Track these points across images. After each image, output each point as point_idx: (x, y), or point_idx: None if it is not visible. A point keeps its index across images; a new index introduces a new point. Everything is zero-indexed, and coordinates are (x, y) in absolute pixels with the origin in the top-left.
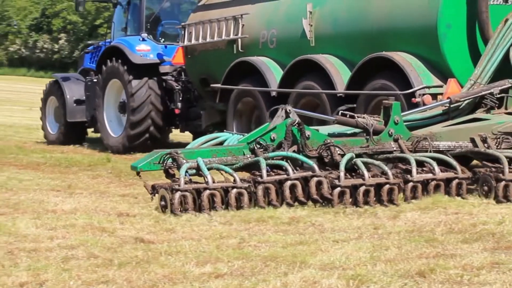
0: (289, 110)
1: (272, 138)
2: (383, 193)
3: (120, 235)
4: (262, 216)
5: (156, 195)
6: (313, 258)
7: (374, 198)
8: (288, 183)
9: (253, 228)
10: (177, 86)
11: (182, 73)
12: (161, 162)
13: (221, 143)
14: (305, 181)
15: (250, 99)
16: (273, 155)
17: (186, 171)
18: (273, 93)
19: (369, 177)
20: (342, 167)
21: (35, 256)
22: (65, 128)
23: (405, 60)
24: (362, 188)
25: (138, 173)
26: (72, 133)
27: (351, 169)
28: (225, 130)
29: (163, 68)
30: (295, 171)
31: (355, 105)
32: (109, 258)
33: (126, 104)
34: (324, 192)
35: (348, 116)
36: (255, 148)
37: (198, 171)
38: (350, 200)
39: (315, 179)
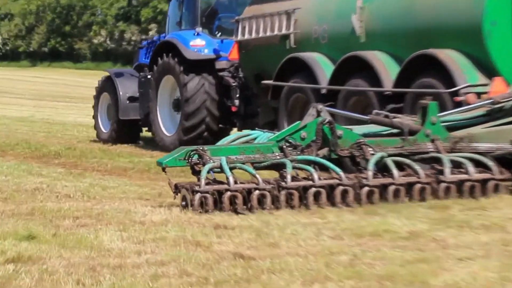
0: (320, 109)
1: (302, 137)
2: (414, 192)
3: (216, 250)
4: (377, 229)
5: (179, 194)
6: (435, 278)
7: (405, 197)
8: (312, 190)
9: (367, 243)
10: (234, 82)
11: (239, 69)
12: (186, 158)
13: (252, 141)
14: (331, 188)
15: (301, 96)
16: (300, 158)
17: (210, 170)
18: (323, 90)
19: (399, 176)
20: (370, 166)
21: (120, 273)
22: (117, 126)
23: (450, 57)
24: (392, 188)
25: (163, 169)
26: (125, 132)
27: (385, 169)
28: (256, 128)
29: (220, 64)
30: (321, 178)
31: (402, 105)
32: (204, 276)
33: (180, 101)
34: (349, 202)
35: (383, 116)
36: (284, 146)
37: (222, 170)
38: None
39: (341, 188)
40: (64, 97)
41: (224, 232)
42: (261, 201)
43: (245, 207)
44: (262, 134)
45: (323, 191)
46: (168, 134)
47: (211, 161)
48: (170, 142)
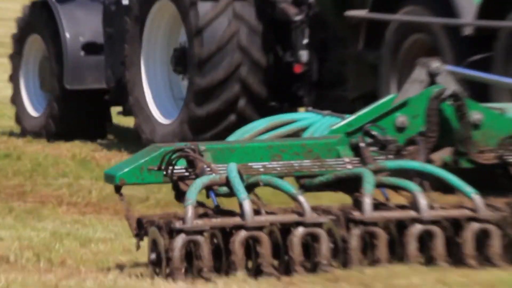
0: (436, 69)
1: (399, 124)
2: None
3: None
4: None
5: (145, 238)
6: None
7: None
8: (416, 228)
9: None
10: (298, 15)
11: None
12: (163, 166)
13: (298, 133)
14: (455, 227)
15: (422, 39)
16: (394, 166)
17: (212, 190)
18: (466, 29)
19: None
20: None
21: None
22: (61, 104)
23: None
24: None
25: (117, 189)
26: (78, 116)
27: None
28: (309, 108)
29: None
30: (434, 205)
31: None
32: None
33: (187, 53)
34: (493, 255)
35: None
36: (362, 144)
37: (231, 189)
38: None
39: (475, 225)
40: None
41: None
42: (309, 249)
43: (275, 262)
44: (320, 119)
45: (437, 231)
46: (163, 121)
47: (211, 172)
48: (167, 136)
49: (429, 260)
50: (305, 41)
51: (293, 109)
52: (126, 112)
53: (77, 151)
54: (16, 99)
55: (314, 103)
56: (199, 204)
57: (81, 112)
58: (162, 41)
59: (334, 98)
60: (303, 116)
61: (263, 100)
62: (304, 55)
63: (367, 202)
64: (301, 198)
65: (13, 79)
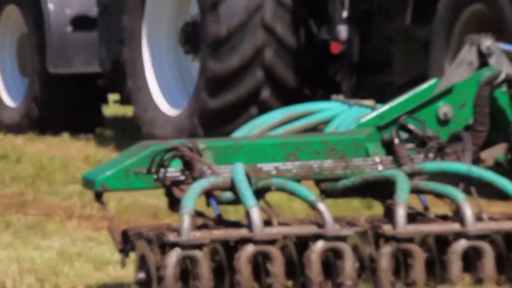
0: (490, 48)
1: (441, 116)
2: None
3: None
4: None
5: (132, 253)
6: None
7: None
8: (460, 245)
9: None
10: None
11: None
12: (153, 169)
13: (319, 126)
14: (508, 242)
15: (482, 10)
16: (434, 168)
17: (213, 197)
18: None
19: None
20: None
21: None
22: (44, 91)
23: None
24: None
25: (98, 196)
26: (65, 106)
27: None
28: (334, 96)
29: None
30: (481, 215)
31: None
32: None
33: (198, 30)
34: None
35: None
36: (396, 140)
37: (237, 195)
38: None
39: None
40: None
41: None
42: (330, 267)
43: (289, 283)
44: (345, 110)
45: (486, 248)
46: (169, 112)
47: (211, 174)
48: (173, 130)
49: (477, 282)
50: (344, 14)
51: (328, 98)
52: (124, 101)
53: (90, 151)
54: None
55: (353, 90)
56: (198, 213)
57: (68, 101)
58: (169, 14)
59: (378, 84)
60: (326, 107)
61: (291, 88)
62: (342, 31)
63: (401, 214)
64: (322, 206)
65: None
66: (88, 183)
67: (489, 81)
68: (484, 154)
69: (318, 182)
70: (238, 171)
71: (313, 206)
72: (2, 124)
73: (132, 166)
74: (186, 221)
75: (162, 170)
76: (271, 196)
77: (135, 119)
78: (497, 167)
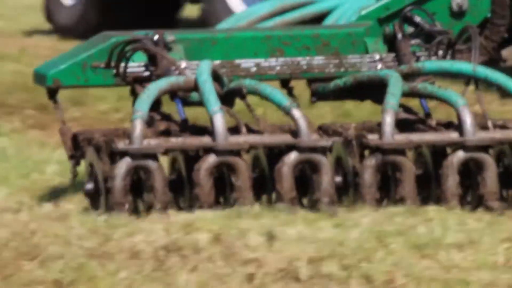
0: None
1: (455, 8)
2: None
3: None
4: None
5: (83, 162)
6: None
7: None
8: (457, 157)
9: None
10: None
11: None
12: (113, 63)
13: (317, 20)
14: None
15: None
16: (434, 67)
17: (178, 98)
18: None
19: None
20: None
21: None
22: None
23: None
24: None
25: (51, 94)
26: (128, 7)
27: None
28: None
29: None
30: (487, 123)
31: None
32: None
33: None
34: None
35: None
36: (399, 35)
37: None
38: None
39: None
40: None
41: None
42: (305, 182)
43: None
44: (347, 0)
45: (487, 160)
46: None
47: (176, 72)
48: None
49: (477, 199)
50: None
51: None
52: None
53: None
54: None
55: None
56: (163, 116)
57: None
58: None
59: None
60: None
61: None
62: None
63: (388, 121)
64: (297, 112)
65: None
66: (39, 78)
67: None
68: (506, 52)
69: (310, 82)
70: (203, 70)
71: (287, 112)
72: (56, 26)
73: (89, 59)
74: (138, 127)
75: (118, 62)
76: (253, 101)
77: (203, 17)
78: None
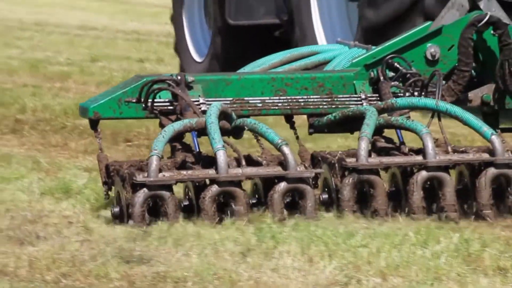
0: None
1: (429, 57)
2: None
3: None
4: None
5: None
6: None
7: None
8: (420, 176)
9: None
10: None
11: None
12: (142, 99)
13: (320, 67)
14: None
15: None
16: (405, 103)
17: (189, 130)
18: None
19: None
20: None
21: None
22: (224, 43)
23: None
24: None
25: (92, 125)
26: (245, 58)
27: None
28: (338, 39)
29: None
30: (448, 148)
31: None
32: None
33: None
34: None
35: None
36: (382, 77)
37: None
38: None
39: (492, 171)
40: None
41: None
42: (294, 202)
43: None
44: (345, 51)
45: (446, 178)
46: None
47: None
48: None
49: (438, 211)
50: None
51: None
52: None
53: None
54: (179, 44)
55: None
56: (183, 146)
57: (248, 56)
58: None
59: None
60: (327, 48)
61: None
62: None
63: (362, 147)
64: (286, 149)
65: (175, 19)
66: (82, 111)
67: (473, 22)
68: (471, 94)
69: (308, 117)
70: (211, 113)
71: (278, 149)
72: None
73: (123, 96)
74: (154, 163)
75: (148, 99)
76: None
77: None
78: (485, 107)
